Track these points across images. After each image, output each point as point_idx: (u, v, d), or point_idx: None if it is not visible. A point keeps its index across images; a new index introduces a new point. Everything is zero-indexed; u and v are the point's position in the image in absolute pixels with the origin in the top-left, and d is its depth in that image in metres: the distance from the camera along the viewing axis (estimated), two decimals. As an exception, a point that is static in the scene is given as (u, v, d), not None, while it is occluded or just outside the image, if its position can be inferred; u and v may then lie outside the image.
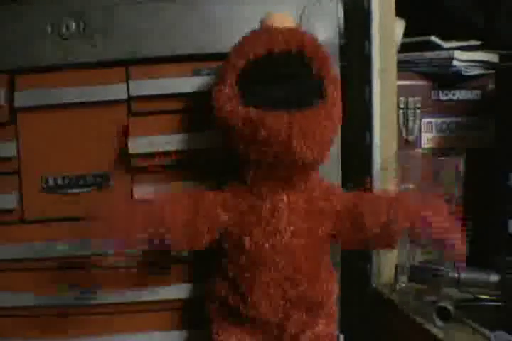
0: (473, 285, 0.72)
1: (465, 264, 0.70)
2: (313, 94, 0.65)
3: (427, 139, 0.91)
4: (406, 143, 0.90)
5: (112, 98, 0.75)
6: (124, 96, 0.75)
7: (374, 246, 0.72)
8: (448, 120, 0.92)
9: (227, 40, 0.74)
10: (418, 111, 0.91)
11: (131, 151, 0.73)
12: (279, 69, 0.64)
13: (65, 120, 0.76)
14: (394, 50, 0.84)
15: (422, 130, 0.91)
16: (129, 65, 0.75)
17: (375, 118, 0.83)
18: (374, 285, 0.84)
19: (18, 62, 0.75)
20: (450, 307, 0.67)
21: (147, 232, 0.65)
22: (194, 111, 0.75)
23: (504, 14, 0.98)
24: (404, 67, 0.88)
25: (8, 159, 0.75)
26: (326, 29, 0.77)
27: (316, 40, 0.68)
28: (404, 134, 0.90)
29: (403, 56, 0.89)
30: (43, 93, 0.74)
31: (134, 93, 0.74)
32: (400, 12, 0.84)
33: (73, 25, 0.75)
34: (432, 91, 0.92)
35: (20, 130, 0.76)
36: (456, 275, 0.72)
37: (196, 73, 0.75)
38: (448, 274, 0.72)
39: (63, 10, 0.75)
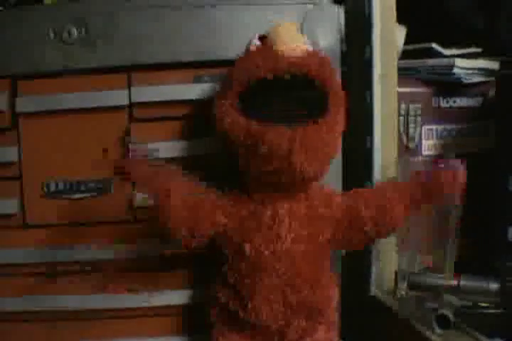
0: (472, 292, 0.72)
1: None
2: (315, 109, 0.64)
3: (428, 146, 0.92)
4: (406, 150, 0.90)
5: (113, 104, 0.75)
6: (126, 102, 0.75)
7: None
8: (449, 127, 0.92)
9: (228, 46, 0.75)
10: (419, 118, 0.91)
11: (132, 157, 0.73)
12: (282, 84, 0.64)
13: (66, 125, 0.76)
14: (395, 55, 0.84)
15: (423, 137, 0.91)
16: (130, 71, 0.75)
17: (375, 124, 0.83)
18: (374, 291, 0.84)
19: (20, 67, 0.75)
20: (450, 315, 0.67)
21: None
22: (195, 118, 0.75)
23: (505, 20, 0.98)
24: (405, 74, 0.88)
25: (10, 164, 0.75)
26: (327, 35, 0.77)
27: (321, 56, 0.67)
28: (404, 141, 0.90)
29: (404, 63, 0.89)
30: (45, 98, 0.75)
31: (135, 99, 0.74)
32: (401, 18, 0.85)
33: (75, 31, 0.75)
34: (433, 98, 0.92)
35: (21, 135, 0.76)
36: (456, 282, 0.72)
37: (197, 80, 0.75)
38: (448, 281, 0.73)
39: (65, 16, 0.75)
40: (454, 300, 0.72)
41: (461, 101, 0.92)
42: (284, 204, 0.67)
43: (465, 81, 0.89)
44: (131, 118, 0.76)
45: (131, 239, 0.75)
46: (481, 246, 0.88)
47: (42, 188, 0.76)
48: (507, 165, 0.85)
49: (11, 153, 0.75)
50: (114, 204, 0.76)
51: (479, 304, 0.73)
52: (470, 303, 0.74)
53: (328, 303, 0.71)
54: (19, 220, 0.76)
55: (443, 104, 0.92)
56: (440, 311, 0.68)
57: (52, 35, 0.75)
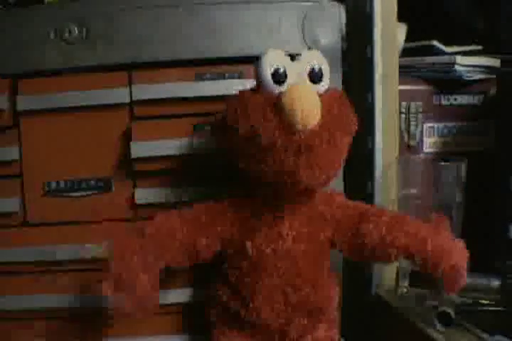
0: (474, 290, 0.72)
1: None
2: None
3: (429, 144, 0.92)
4: (407, 147, 0.90)
5: (114, 102, 0.75)
6: (127, 101, 0.75)
7: (373, 259, 0.71)
8: (449, 125, 0.92)
9: (228, 45, 0.76)
10: (420, 115, 0.91)
11: (133, 155, 0.74)
12: None
13: (67, 124, 0.76)
14: (396, 55, 0.84)
15: (424, 135, 0.91)
16: (131, 69, 0.76)
17: (376, 123, 0.83)
18: (375, 289, 0.84)
19: (21, 66, 0.76)
20: (451, 312, 0.67)
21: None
22: (196, 116, 0.75)
23: (505, 19, 0.98)
24: (405, 72, 0.88)
25: (11, 163, 0.76)
26: (328, 34, 0.77)
27: (330, 96, 0.63)
28: (405, 139, 0.90)
29: (405, 61, 0.89)
30: (46, 97, 0.75)
31: (136, 97, 0.75)
32: (401, 17, 0.84)
33: (76, 31, 0.75)
34: (434, 96, 0.92)
35: (22, 134, 0.76)
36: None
37: (198, 78, 0.76)
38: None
39: (66, 15, 0.75)
40: (454, 297, 0.72)
41: (462, 99, 0.92)
42: (285, 203, 0.67)
43: (466, 78, 0.89)
44: (132, 117, 0.76)
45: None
46: (481, 244, 0.88)
47: (43, 187, 0.76)
48: (508, 163, 0.85)
49: (11, 152, 0.75)
50: (114, 203, 0.76)
51: (480, 301, 0.73)
52: (470, 301, 0.73)
53: (328, 302, 0.71)
54: (20, 219, 0.76)
55: (444, 101, 0.92)
56: (441, 308, 0.68)
57: (52, 34, 0.75)
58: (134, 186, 0.76)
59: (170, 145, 0.74)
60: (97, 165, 0.76)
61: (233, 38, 0.75)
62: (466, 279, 0.65)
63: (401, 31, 0.90)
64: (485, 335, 0.65)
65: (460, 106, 0.92)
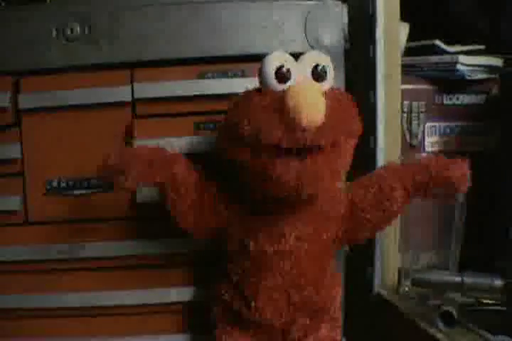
0: (476, 289, 0.72)
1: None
2: None
3: (431, 143, 0.92)
4: (409, 147, 0.90)
5: (116, 100, 0.75)
6: (129, 99, 0.75)
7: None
8: (452, 124, 0.92)
9: (232, 43, 0.75)
10: (422, 115, 0.91)
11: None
12: None
13: (69, 122, 0.76)
14: (398, 54, 0.84)
15: (426, 134, 0.91)
16: (133, 67, 0.75)
17: (378, 123, 0.83)
18: (377, 289, 0.83)
19: (24, 64, 0.76)
20: (454, 312, 0.67)
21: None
22: (199, 114, 0.75)
23: (508, 18, 0.98)
24: (408, 71, 0.88)
25: (13, 161, 0.76)
26: (330, 33, 0.77)
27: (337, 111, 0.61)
28: (407, 138, 0.90)
29: (407, 60, 0.89)
30: (48, 95, 0.75)
31: (139, 95, 0.74)
32: (404, 16, 0.84)
33: (78, 29, 0.75)
34: (436, 96, 0.92)
35: (24, 132, 0.76)
36: (460, 279, 0.72)
37: (201, 76, 0.75)
38: (452, 278, 0.72)
39: (68, 13, 0.75)
40: (456, 297, 0.71)
41: (464, 99, 0.92)
42: (287, 202, 0.67)
43: (469, 78, 0.89)
44: (134, 115, 0.76)
45: (134, 236, 0.75)
46: (484, 244, 0.88)
47: (44, 185, 0.76)
48: (510, 162, 0.85)
49: (13, 150, 0.75)
50: (116, 201, 0.76)
51: (483, 301, 0.73)
52: (473, 300, 0.73)
53: (331, 302, 0.71)
54: (21, 217, 0.76)
55: (446, 101, 0.92)
56: (444, 308, 0.67)
57: (55, 32, 0.75)
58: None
59: (172, 144, 0.74)
60: (99, 164, 0.76)
61: (237, 37, 0.75)
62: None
63: (403, 31, 0.90)
64: (488, 335, 0.65)
65: (462, 105, 0.92)
